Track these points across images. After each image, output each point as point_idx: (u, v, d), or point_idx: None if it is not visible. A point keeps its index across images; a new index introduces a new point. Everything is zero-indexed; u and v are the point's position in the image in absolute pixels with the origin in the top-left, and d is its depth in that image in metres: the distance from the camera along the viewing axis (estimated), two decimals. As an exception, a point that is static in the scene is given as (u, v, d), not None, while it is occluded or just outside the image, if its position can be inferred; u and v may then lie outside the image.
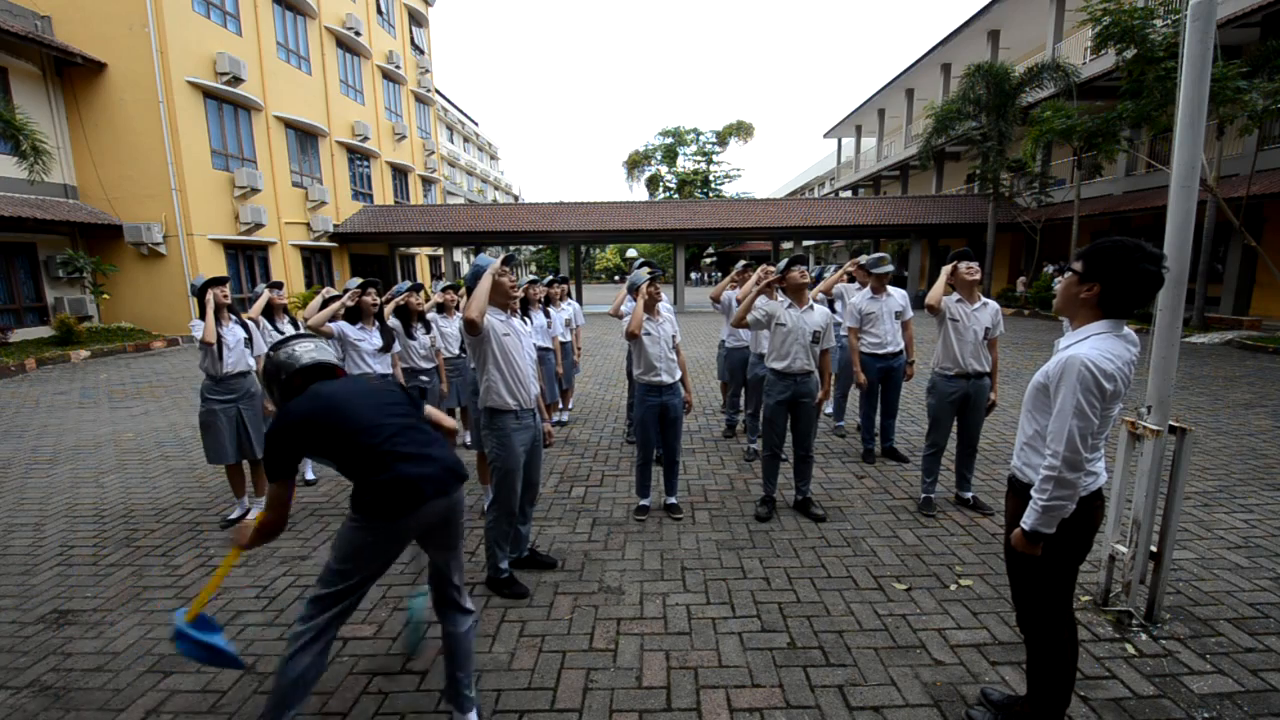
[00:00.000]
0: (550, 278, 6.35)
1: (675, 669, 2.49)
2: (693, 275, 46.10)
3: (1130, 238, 1.76)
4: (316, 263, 19.41)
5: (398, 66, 23.78)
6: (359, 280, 4.09)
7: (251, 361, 4.05)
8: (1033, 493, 1.83)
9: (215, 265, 14.76)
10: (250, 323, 4.14)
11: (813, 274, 5.47)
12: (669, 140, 42.67)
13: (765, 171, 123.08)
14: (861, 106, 29.60)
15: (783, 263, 3.87)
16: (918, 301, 13.60)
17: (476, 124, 48.36)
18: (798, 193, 48.52)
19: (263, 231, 16.31)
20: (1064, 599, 1.96)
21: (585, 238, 21.65)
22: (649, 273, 3.99)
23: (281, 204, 17.21)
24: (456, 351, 5.09)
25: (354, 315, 3.96)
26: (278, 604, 3.03)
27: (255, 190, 15.77)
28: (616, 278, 52.85)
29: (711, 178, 43.13)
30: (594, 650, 2.61)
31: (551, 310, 5.81)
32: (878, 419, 5.14)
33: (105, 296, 13.77)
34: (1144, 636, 2.62)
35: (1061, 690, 1.97)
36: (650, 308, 3.89)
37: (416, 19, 26.56)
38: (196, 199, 14.25)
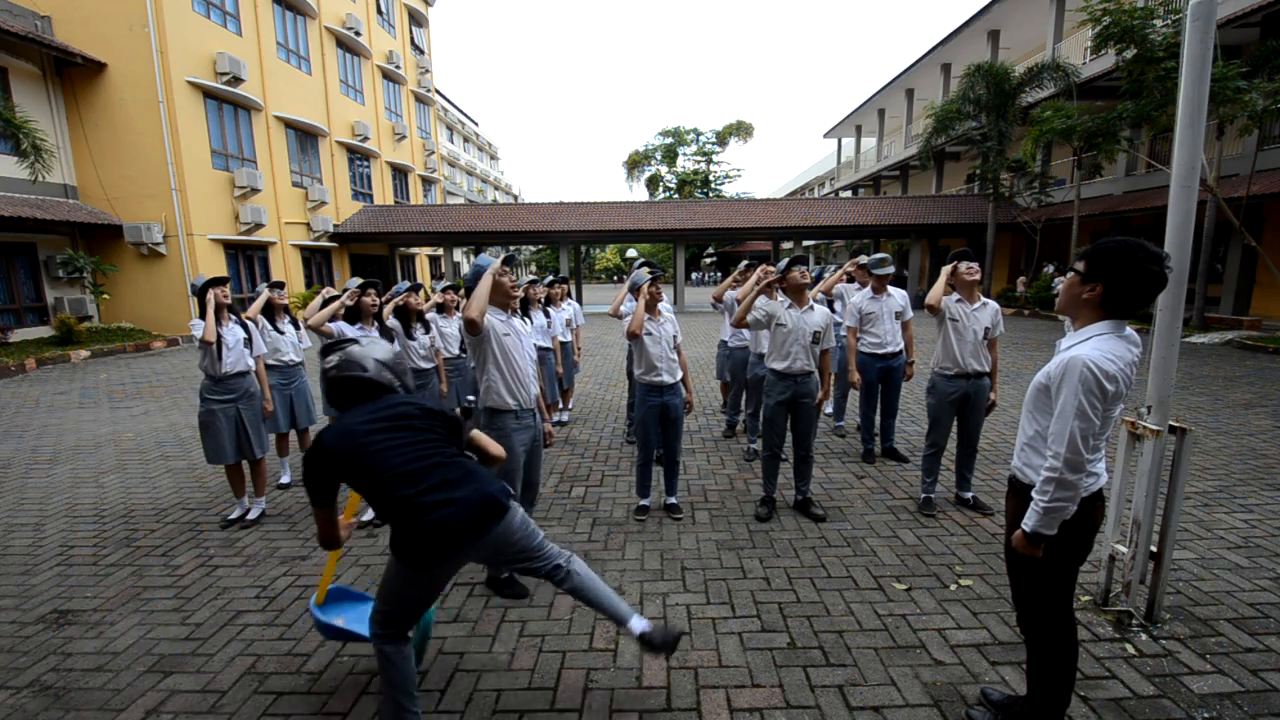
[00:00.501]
0: (550, 278, 6.35)
1: (675, 669, 2.49)
2: (693, 275, 46.10)
3: (1132, 238, 1.76)
4: (316, 263, 19.41)
5: (398, 66, 23.78)
6: (358, 280, 4.09)
7: (251, 362, 4.05)
8: (1034, 494, 1.83)
9: (215, 265, 14.76)
10: (250, 323, 4.14)
11: (813, 274, 5.46)
12: (669, 140, 42.68)
13: (765, 171, 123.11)
14: (861, 106, 29.59)
15: (783, 263, 3.87)
16: (918, 301, 13.61)
17: (476, 124, 48.37)
18: (798, 193, 48.52)
19: (263, 231, 16.31)
20: (1064, 599, 1.96)
21: (585, 238, 21.65)
22: (650, 273, 4.00)
23: (281, 204, 17.21)
24: (456, 351, 5.09)
25: (353, 315, 3.96)
26: (278, 604, 3.03)
27: (255, 190, 15.77)
28: (616, 278, 52.86)
29: (711, 178, 43.14)
30: (594, 650, 2.62)
31: (551, 310, 5.81)
32: (878, 419, 5.14)
33: (105, 296, 13.77)
34: (1144, 636, 2.62)
35: (1061, 690, 1.97)
36: (651, 308, 3.90)
37: (416, 19, 26.57)
38: (196, 199, 14.25)
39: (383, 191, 23.18)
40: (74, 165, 13.93)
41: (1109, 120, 12.80)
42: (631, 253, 44.42)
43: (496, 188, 52.79)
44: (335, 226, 19.49)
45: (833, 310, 5.08)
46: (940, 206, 20.97)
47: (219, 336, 3.81)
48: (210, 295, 3.82)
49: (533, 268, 52.68)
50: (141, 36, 13.30)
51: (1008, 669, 2.44)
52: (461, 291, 5.31)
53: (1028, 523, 1.83)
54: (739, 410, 5.85)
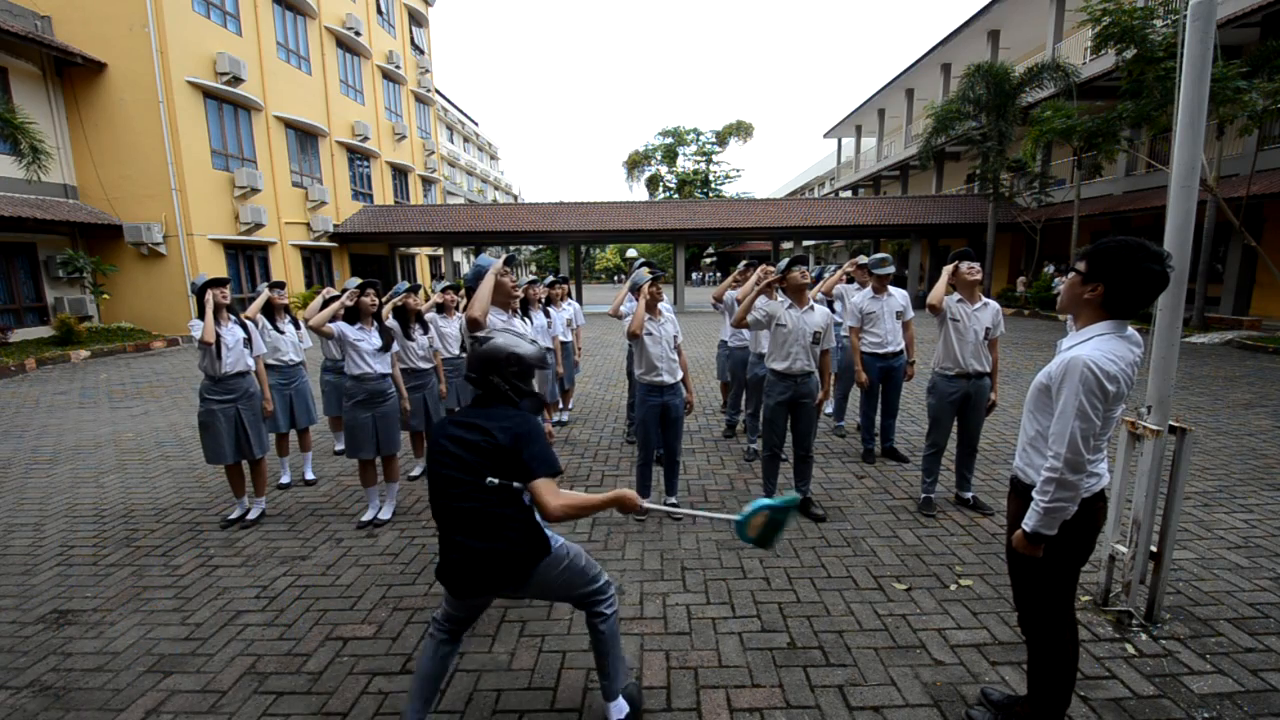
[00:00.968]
0: (551, 278, 6.35)
1: (675, 669, 2.49)
2: (693, 275, 46.09)
3: (1134, 237, 1.76)
4: (316, 263, 19.41)
5: (398, 66, 23.77)
6: (358, 280, 4.09)
7: (250, 362, 4.05)
8: (1034, 494, 1.83)
9: (215, 265, 14.76)
10: (249, 323, 4.14)
11: (813, 274, 5.47)
12: (669, 140, 42.66)
13: (765, 171, 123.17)
14: (861, 106, 29.59)
15: (783, 263, 3.86)
16: (918, 301, 13.59)
17: (476, 124, 48.37)
18: (798, 193, 48.52)
19: (263, 231, 16.31)
20: (1065, 600, 1.96)
21: (585, 238, 21.65)
22: (650, 273, 4.00)
23: (281, 204, 17.21)
24: (456, 352, 5.09)
25: (353, 315, 3.96)
26: (278, 604, 3.03)
27: (255, 190, 15.77)
28: (617, 278, 52.86)
29: (711, 178, 43.12)
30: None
31: (552, 310, 5.81)
32: (878, 419, 5.14)
33: (105, 296, 13.77)
34: (1144, 636, 2.62)
35: (1062, 690, 1.97)
36: (651, 308, 3.90)
37: (416, 19, 26.56)
38: (196, 199, 14.25)
39: (383, 191, 23.18)
40: (74, 165, 13.92)
41: (1109, 120, 12.81)
42: (631, 253, 44.42)
43: (496, 188, 52.79)
44: (335, 226, 19.48)
45: (832, 311, 5.08)
46: (940, 206, 20.97)
47: (218, 337, 3.81)
48: (209, 296, 3.82)
49: (533, 268, 52.68)
50: (141, 36, 13.29)
51: (1008, 669, 2.44)
52: (461, 292, 5.31)
53: (1028, 523, 1.83)
54: (739, 410, 5.85)
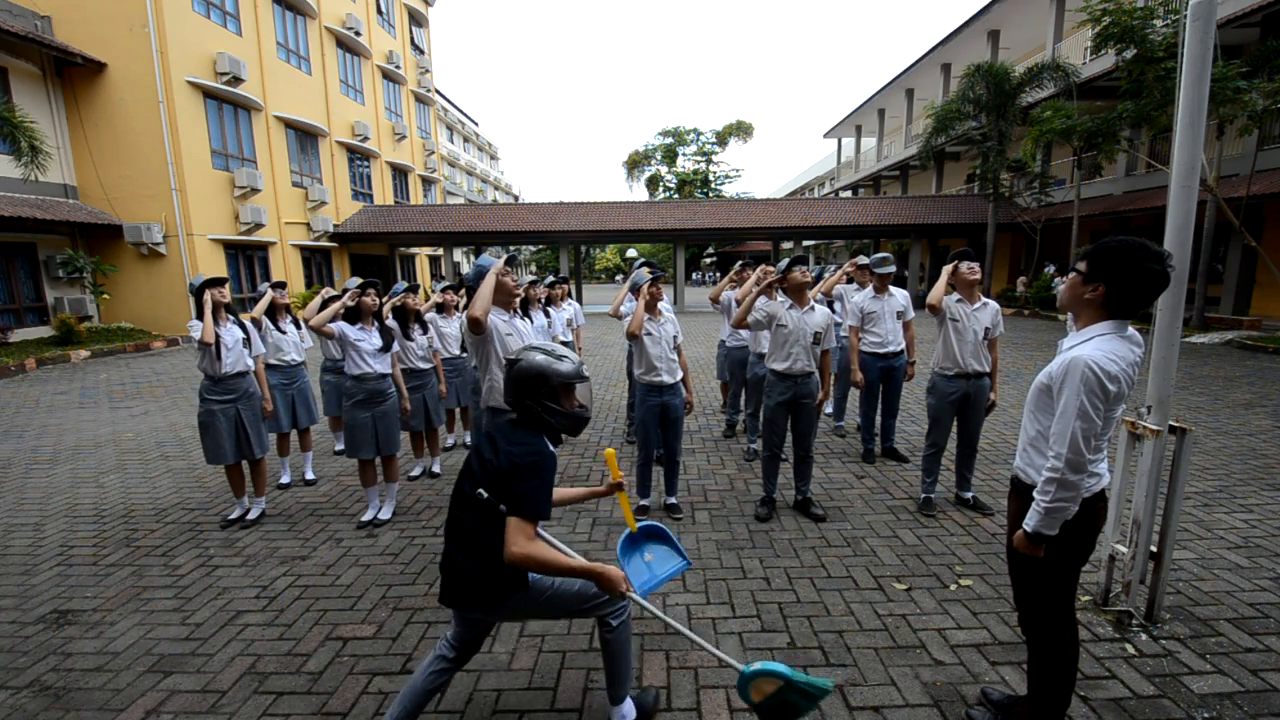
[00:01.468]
0: (551, 278, 6.35)
1: (675, 669, 2.49)
2: (693, 275, 46.09)
3: (1134, 237, 1.75)
4: (316, 263, 19.41)
5: (398, 66, 23.78)
6: (358, 280, 4.09)
7: (250, 362, 4.05)
8: (1035, 494, 1.83)
9: (215, 265, 14.76)
10: (249, 323, 4.14)
11: (813, 274, 5.46)
12: (669, 140, 42.64)
13: (765, 171, 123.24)
14: (861, 106, 29.59)
15: (783, 263, 3.86)
16: (918, 301, 13.60)
17: (476, 124, 48.36)
18: (798, 193, 48.52)
19: (263, 231, 16.31)
20: (1066, 600, 1.96)
21: (585, 238, 21.65)
22: (650, 273, 4.00)
23: (281, 204, 17.21)
24: (456, 351, 5.09)
25: (353, 315, 3.96)
26: (278, 604, 3.03)
27: (255, 190, 15.77)
28: (617, 278, 52.84)
29: (711, 178, 43.10)
30: (594, 650, 2.61)
31: (552, 310, 5.81)
32: (878, 419, 5.14)
33: (105, 296, 13.77)
34: (1144, 636, 2.62)
35: (1062, 690, 1.97)
36: (651, 308, 3.90)
37: (416, 19, 26.56)
38: (196, 199, 14.25)
39: (383, 191, 23.18)
40: (74, 165, 13.92)
41: (1109, 120, 12.81)
42: (631, 253, 44.42)
43: (496, 188, 52.78)
44: (335, 226, 19.49)
45: (832, 310, 5.08)
46: (940, 206, 20.97)
47: (217, 337, 3.81)
48: (207, 296, 3.82)
49: (533, 268, 52.67)
50: (141, 36, 13.30)
51: (1008, 669, 2.44)
52: (461, 291, 5.32)
53: (1029, 523, 1.83)
54: (739, 410, 5.85)
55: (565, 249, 21.76)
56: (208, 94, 14.65)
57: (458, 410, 5.68)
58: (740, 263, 5.44)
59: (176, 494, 4.60)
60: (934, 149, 19.18)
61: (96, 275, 13.51)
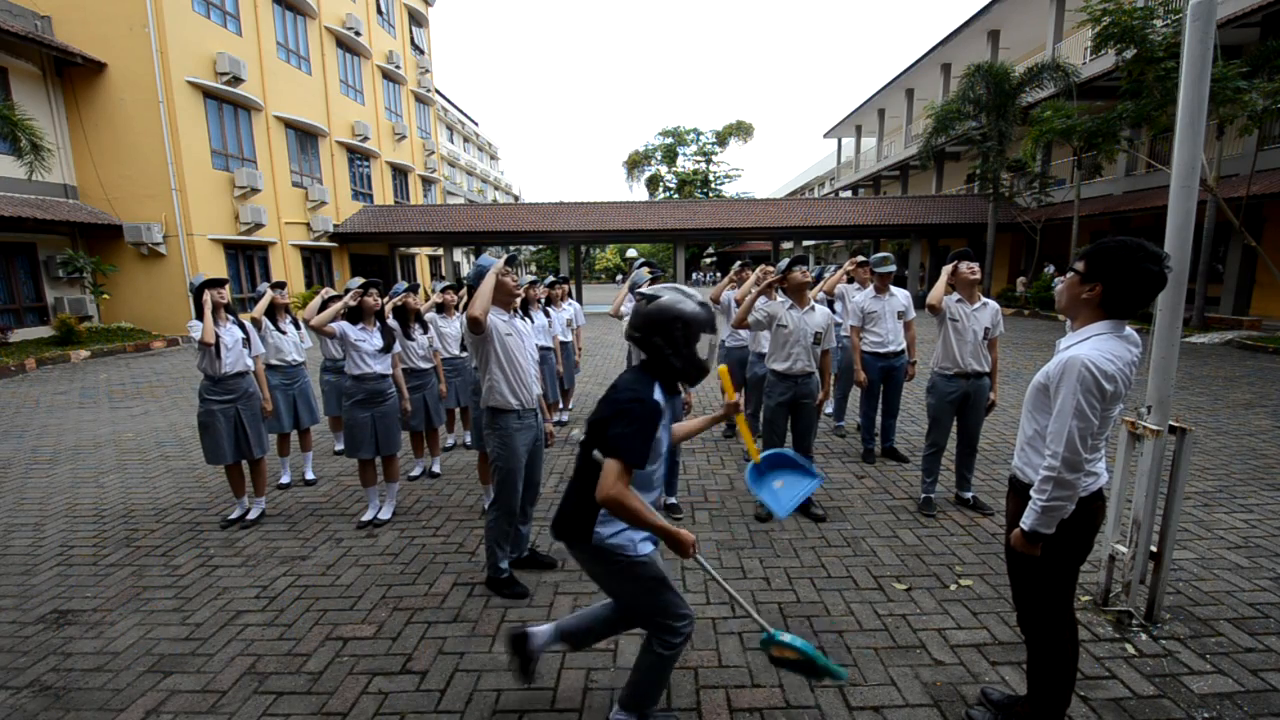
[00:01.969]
0: (551, 278, 6.35)
1: (675, 669, 2.49)
2: (693, 275, 46.09)
3: (1132, 237, 1.76)
4: (316, 263, 19.41)
5: (398, 66, 23.78)
6: (360, 280, 4.09)
7: (250, 362, 4.05)
8: (1032, 493, 1.83)
9: (215, 265, 14.77)
10: (248, 323, 4.14)
11: (813, 274, 5.46)
12: (669, 140, 42.66)
13: (765, 171, 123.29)
14: (861, 106, 29.60)
15: (783, 263, 3.86)
16: (918, 301, 13.59)
17: (476, 124, 48.36)
18: (798, 193, 48.52)
19: (263, 231, 16.31)
20: (1064, 599, 1.96)
21: (585, 238, 21.66)
22: (650, 273, 4.00)
23: (281, 204, 17.22)
24: (456, 351, 5.09)
25: (354, 315, 3.96)
26: (278, 604, 3.03)
27: (255, 190, 15.78)
28: (617, 278, 52.83)
29: (711, 178, 43.12)
30: (594, 650, 2.61)
31: (552, 310, 5.81)
32: (878, 419, 5.14)
33: (105, 296, 13.77)
34: (1144, 636, 2.62)
35: (1062, 690, 1.97)
36: (650, 308, 3.89)
37: (416, 19, 26.57)
38: (196, 199, 14.25)
39: (383, 191, 23.18)
40: (74, 165, 13.93)
41: (1109, 120, 12.81)
42: (631, 253, 44.43)
43: (496, 188, 52.78)
44: (335, 226, 19.49)
45: (833, 310, 5.08)
46: (940, 206, 20.97)
47: (217, 337, 3.81)
48: (206, 296, 3.82)
49: (533, 268, 52.67)
50: (141, 36, 13.30)
51: (1008, 669, 2.44)
52: (461, 291, 5.31)
53: (1026, 521, 1.83)
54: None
55: (565, 249, 21.76)
56: (208, 94, 14.66)
57: (457, 410, 5.68)
58: (740, 263, 5.43)
59: (176, 494, 4.60)
60: (934, 149, 19.19)
61: (96, 275, 13.51)
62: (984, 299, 3.87)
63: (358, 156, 21.77)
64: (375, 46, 22.29)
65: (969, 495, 4.05)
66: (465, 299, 4.14)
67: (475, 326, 2.84)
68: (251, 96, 15.74)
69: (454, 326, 5.06)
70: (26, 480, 5.00)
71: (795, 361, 3.75)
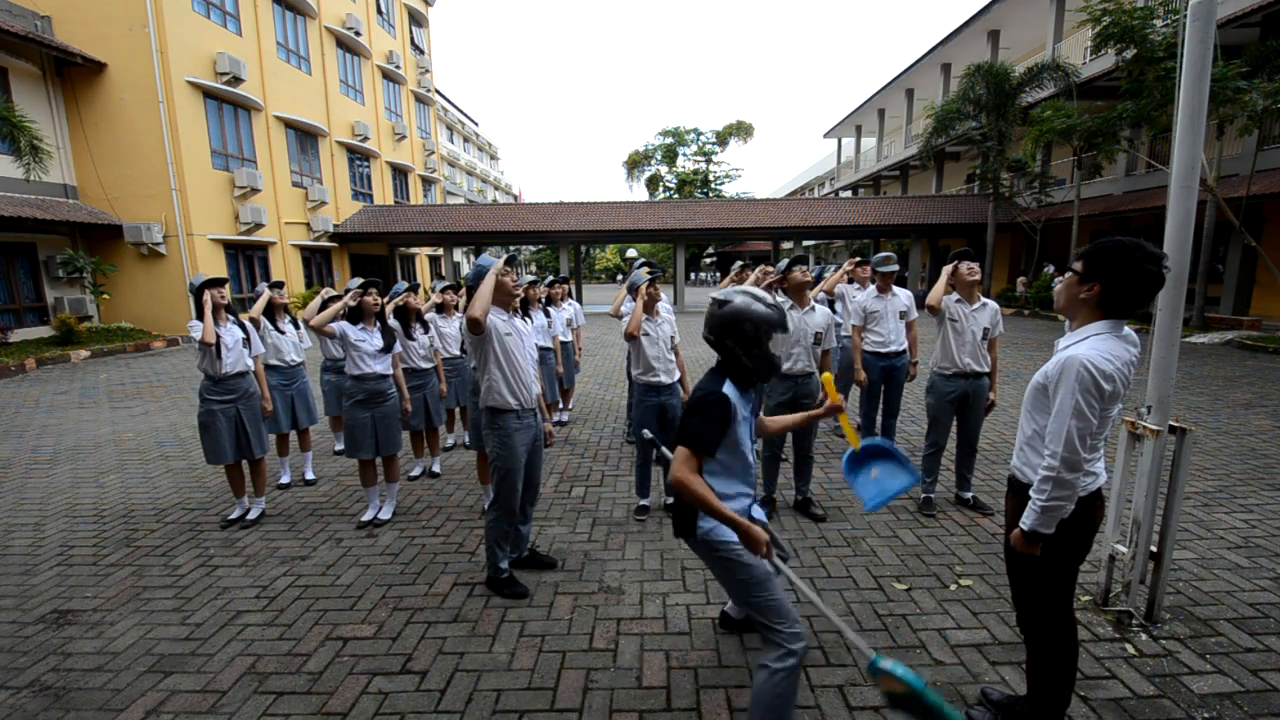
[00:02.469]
0: (551, 278, 6.35)
1: (675, 669, 2.49)
2: (693, 275, 46.08)
3: (1131, 237, 1.76)
4: (316, 263, 19.41)
5: (398, 66, 23.78)
6: (360, 280, 4.09)
7: (250, 362, 4.05)
8: (1031, 493, 1.83)
9: (215, 265, 14.76)
10: (248, 323, 4.14)
11: (813, 274, 5.46)
12: (669, 140, 42.63)
13: (765, 171, 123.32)
14: (861, 106, 29.59)
15: (783, 263, 3.86)
16: (918, 301, 13.59)
17: (476, 124, 48.37)
18: (798, 193, 48.52)
19: (263, 231, 16.31)
20: (1064, 599, 1.96)
21: (585, 238, 21.65)
22: (649, 273, 4.00)
23: (281, 204, 17.21)
24: (456, 351, 5.09)
25: (355, 315, 3.96)
26: (278, 604, 3.03)
27: (255, 190, 15.77)
28: (618, 278, 52.83)
29: (711, 178, 43.10)
30: (594, 650, 2.61)
31: (551, 310, 5.81)
32: (879, 419, 5.13)
33: (105, 296, 13.77)
34: (1144, 636, 2.62)
35: (1062, 690, 1.97)
36: (650, 308, 3.90)
37: (416, 19, 26.56)
38: (196, 199, 14.25)
39: (383, 191, 23.18)
40: (74, 165, 13.92)
41: (1109, 120, 12.81)
42: (631, 253, 44.41)
43: (496, 188, 52.79)
44: (335, 226, 19.49)
45: (833, 310, 5.07)
46: (940, 206, 20.97)
47: (218, 337, 3.81)
48: (206, 296, 3.82)
49: (533, 268, 52.67)
50: (141, 36, 13.29)
51: (1008, 669, 2.44)
52: (461, 291, 5.31)
53: (1025, 521, 1.83)
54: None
55: (565, 249, 21.76)
56: (208, 94, 14.65)
57: (457, 410, 5.68)
58: (740, 263, 5.43)
59: (176, 494, 4.60)
60: (934, 149, 19.18)
61: (96, 275, 13.50)
62: (983, 299, 3.87)
63: (358, 156, 21.77)
64: (375, 46, 22.29)
65: (969, 495, 4.05)
66: (465, 299, 4.14)
67: (475, 327, 2.83)
68: (251, 96, 15.74)
69: (454, 326, 5.06)
70: (26, 480, 5.00)
71: (795, 362, 3.76)
